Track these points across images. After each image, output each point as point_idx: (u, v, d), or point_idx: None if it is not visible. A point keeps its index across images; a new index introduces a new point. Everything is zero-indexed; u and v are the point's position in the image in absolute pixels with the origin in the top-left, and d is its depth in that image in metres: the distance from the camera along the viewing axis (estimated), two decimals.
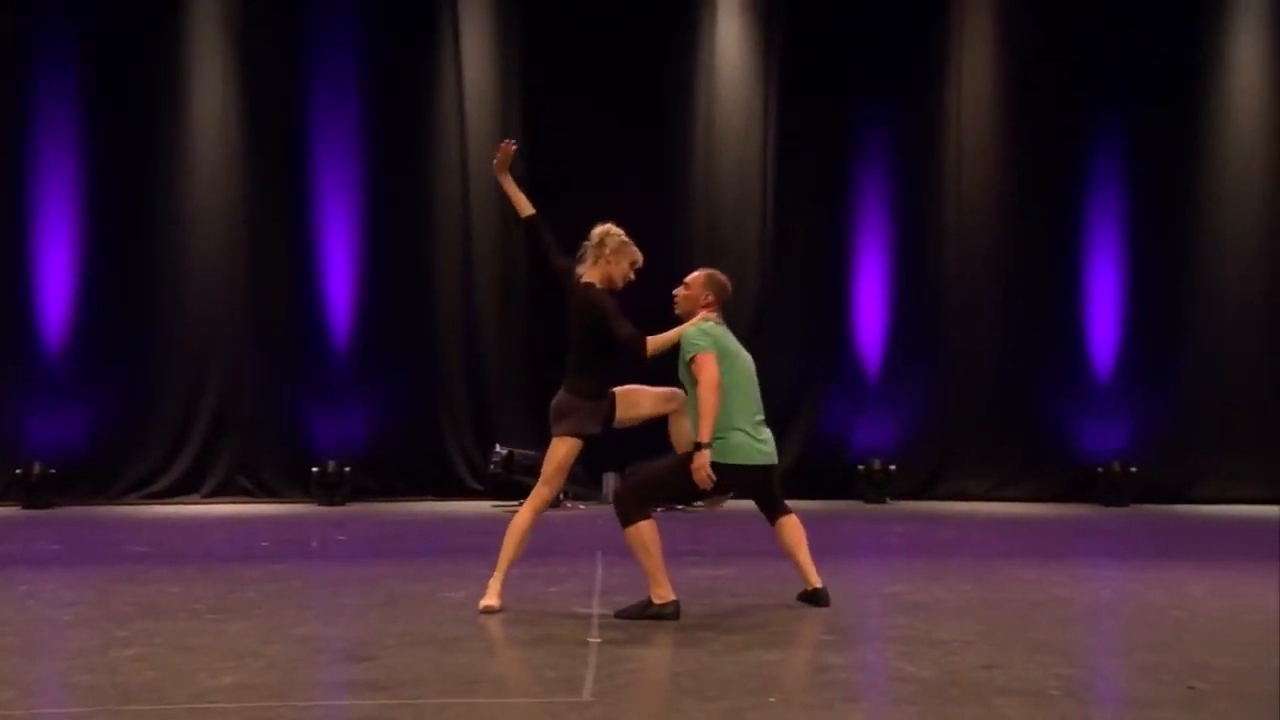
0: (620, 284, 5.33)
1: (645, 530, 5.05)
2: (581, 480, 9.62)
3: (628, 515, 5.08)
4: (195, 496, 10.02)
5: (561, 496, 9.73)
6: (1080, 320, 10.49)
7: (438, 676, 4.05)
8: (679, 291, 5.40)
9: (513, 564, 5.19)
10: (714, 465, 5.05)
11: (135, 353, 10.09)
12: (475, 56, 10.40)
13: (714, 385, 5.07)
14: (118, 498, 9.91)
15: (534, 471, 9.56)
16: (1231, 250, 10.45)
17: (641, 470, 5.43)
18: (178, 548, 7.44)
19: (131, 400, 10.06)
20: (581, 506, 9.64)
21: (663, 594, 5.04)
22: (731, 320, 11.51)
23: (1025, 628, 4.87)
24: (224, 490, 10.08)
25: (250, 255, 10.25)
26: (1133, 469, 10.16)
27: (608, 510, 8.33)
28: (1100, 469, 10.21)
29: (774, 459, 5.30)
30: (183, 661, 4.23)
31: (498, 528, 8.38)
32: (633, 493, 5.20)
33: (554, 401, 5.33)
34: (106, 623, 4.88)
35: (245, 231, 10.25)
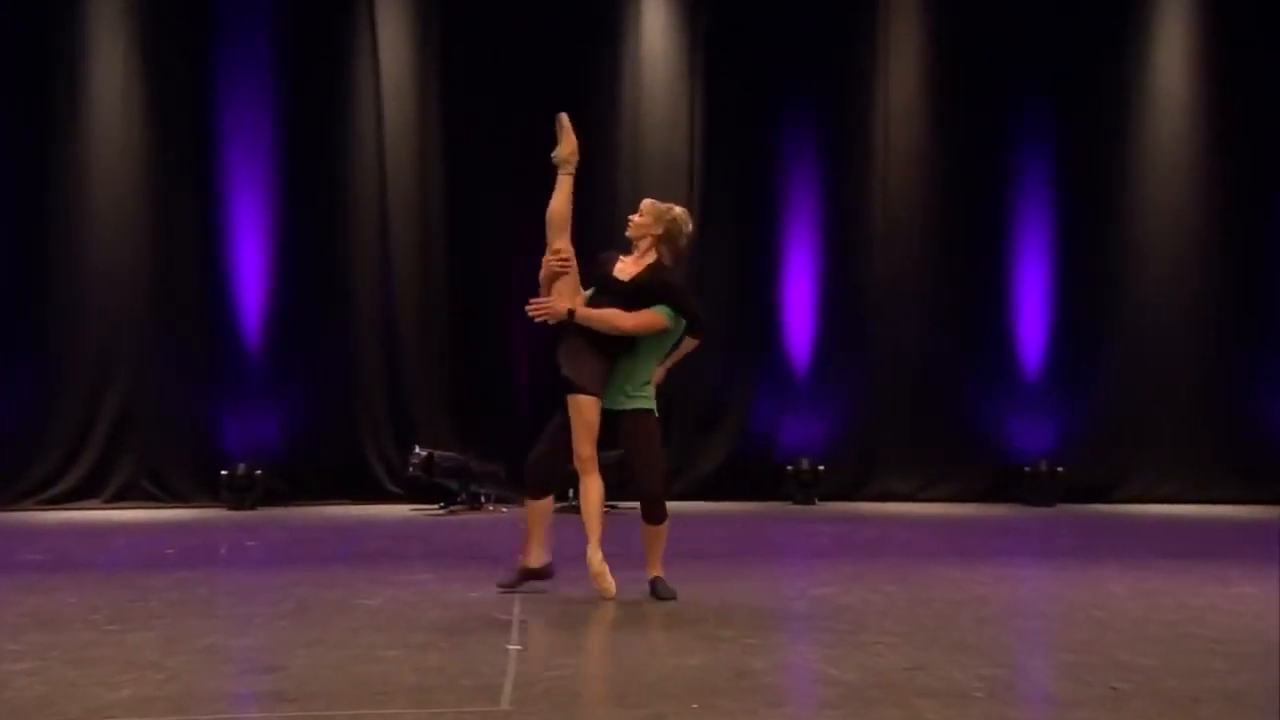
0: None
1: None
2: (504, 483, 9.59)
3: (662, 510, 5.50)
4: (97, 501, 9.80)
5: (482, 499, 9.69)
6: (1007, 320, 10.69)
7: (350, 687, 4.01)
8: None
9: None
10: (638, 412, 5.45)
11: (33, 350, 9.84)
12: (392, 45, 10.30)
13: (640, 326, 5.38)
14: (12, 503, 9.65)
15: (455, 473, 9.62)
16: (1156, 251, 10.73)
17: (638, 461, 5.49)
18: (77, 556, 7.27)
19: (28, 399, 9.81)
20: (504, 510, 9.60)
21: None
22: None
23: (948, 628, 4.94)
24: (127, 494, 9.88)
25: (155, 248, 10.05)
26: (1059, 469, 10.37)
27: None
28: (1027, 469, 10.40)
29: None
30: (78, 675, 4.14)
31: (416, 532, 8.36)
32: (663, 483, 5.53)
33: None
34: None
35: (150, 223, 10.05)
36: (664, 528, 5.57)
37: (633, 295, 5.45)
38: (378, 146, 10.30)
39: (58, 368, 9.88)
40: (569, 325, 5.42)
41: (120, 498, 9.85)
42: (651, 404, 5.55)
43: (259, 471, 9.85)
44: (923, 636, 4.78)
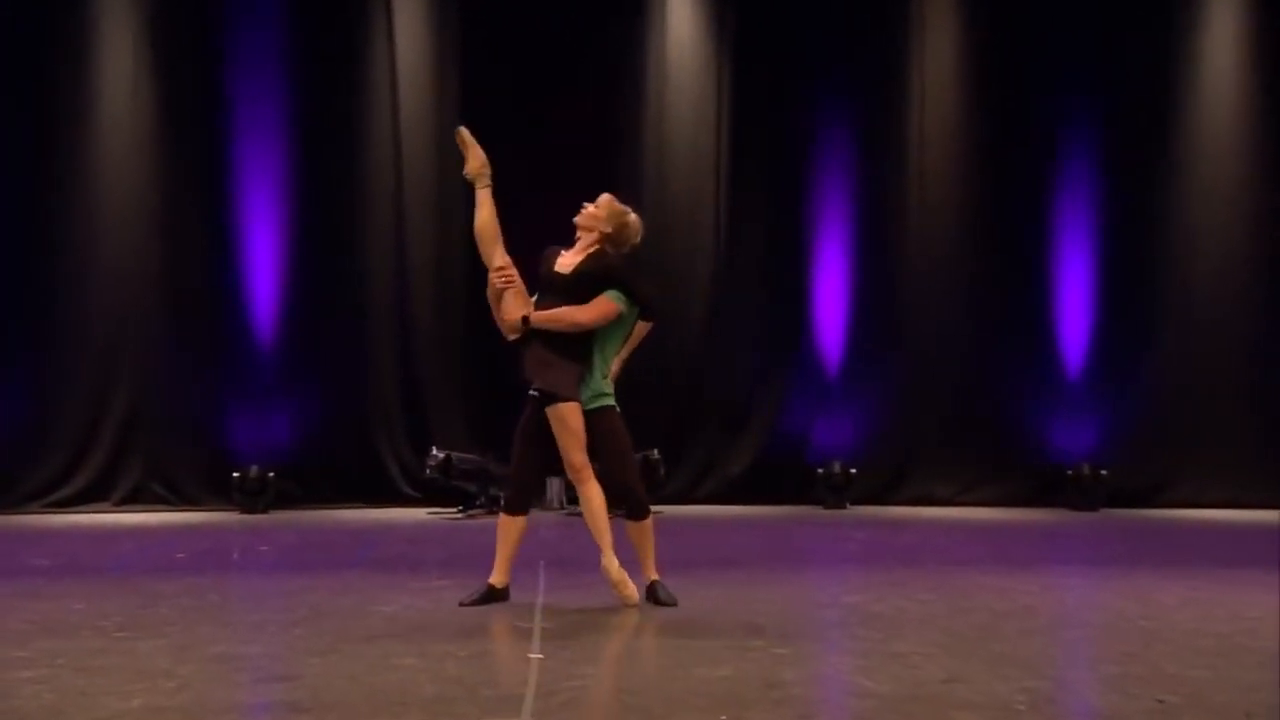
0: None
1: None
2: None
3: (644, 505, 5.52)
4: (105, 505, 9.89)
5: (502, 502, 9.70)
6: (1048, 316, 10.64)
7: (365, 697, 4.02)
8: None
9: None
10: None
11: (38, 348, 9.93)
12: (409, 32, 10.33)
13: (598, 316, 5.39)
14: (18, 506, 9.74)
15: (473, 475, 9.65)
16: (1205, 243, 10.65)
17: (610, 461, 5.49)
18: (84, 560, 7.33)
19: (34, 399, 9.90)
20: None
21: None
22: (682, 313, 11.56)
23: (989, 639, 4.92)
24: (136, 498, 9.96)
25: (165, 243, 10.11)
26: (1103, 472, 10.32)
27: (551, 517, 8.31)
28: (1070, 472, 10.35)
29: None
30: (87, 683, 4.17)
31: (433, 536, 8.38)
32: (638, 476, 5.57)
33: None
34: (3, 642, 4.80)
35: (159, 218, 10.11)
36: (649, 524, 5.59)
37: (577, 287, 5.44)
38: (394, 137, 10.33)
39: (64, 366, 9.96)
40: (528, 334, 5.42)
41: (129, 501, 9.93)
42: (611, 398, 5.55)
43: (271, 474, 9.90)
44: (962, 647, 4.75)
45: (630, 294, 5.49)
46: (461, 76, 10.38)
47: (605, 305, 5.44)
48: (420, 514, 9.71)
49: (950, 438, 10.49)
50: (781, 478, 10.41)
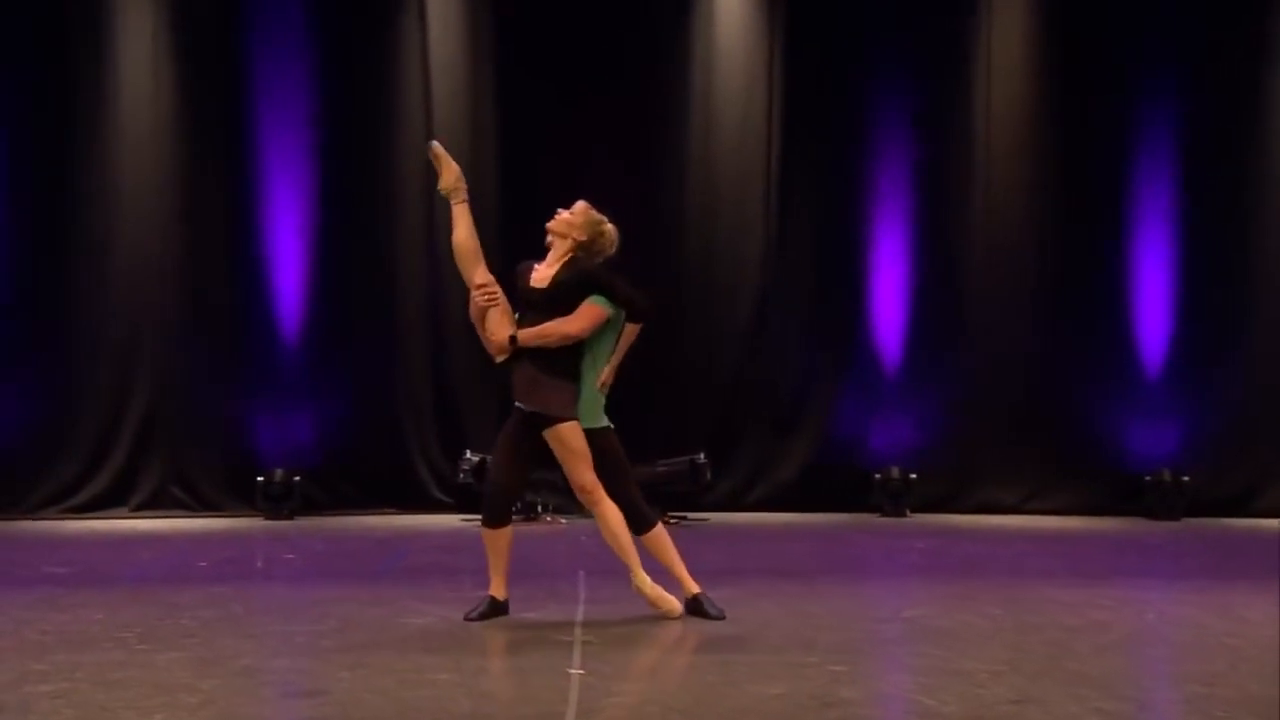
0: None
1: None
2: (563, 490, 9.62)
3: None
4: (123, 510, 9.97)
5: (539, 509, 9.75)
6: (1127, 310, 10.49)
7: (398, 714, 4.05)
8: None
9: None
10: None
11: (52, 345, 10.01)
12: (441, 9, 10.37)
13: (588, 325, 5.44)
14: (33, 512, 9.86)
15: None
16: None
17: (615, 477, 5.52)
18: (103, 569, 7.42)
19: (48, 400, 9.99)
20: (563, 521, 9.64)
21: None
22: (729, 306, 11.53)
23: (1061, 656, 4.88)
24: (156, 503, 10.04)
25: (184, 235, 10.18)
26: (1184, 478, 10.19)
27: (591, 524, 8.35)
28: (1148, 478, 10.23)
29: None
30: (107, 698, 4.22)
31: (466, 544, 8.42)
32: (637, 488, 5.59)
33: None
34: (20, 655, 4.87)
35: (178, 209, 10.18)
36: (661, 533, 5.61)
37: (557, 299, 5.47)
38: (425, 122, 10.35)
39: (79, 365, 10.04)
40: (516, 354, 5.44)
41: (148, 506, 10.02)
42: (604, 418, 5.57)
43: (297, 478, 9.98)
44: (1032, 665, 4.72)
45: (611, 297, 5.50)
46: (497, 57, 10.39)
47: (593, 312, 5.47)
48: (453, 520, 9.75)
49: (1018, 441, 10.37)
50: (835, 483, 10.34)
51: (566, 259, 5.56)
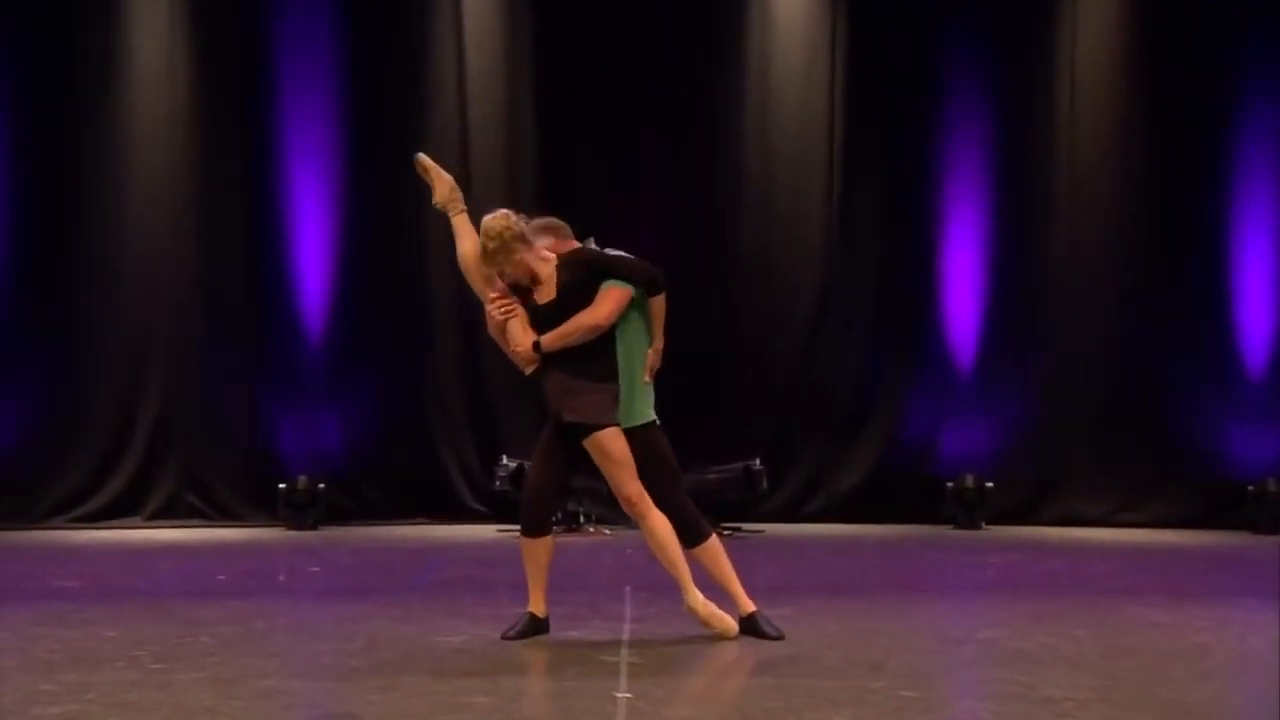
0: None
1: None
2: (607, 499, 9.63)
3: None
4: (136, 519, 10.09)
5: (582, 518, 9.76)
6: (1226, 304, 10.41)
7: None
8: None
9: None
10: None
11: (61, 345, 10.14)
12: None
13: (614, 309, 5.34)
14: (40, 521, 9.98)
15: None
16: None
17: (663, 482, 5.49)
18: (115, 582, 7.49)
19: (56, 402, 10.12)
20: (607, 531, 9.65)
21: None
22: (787, 302, 11.49)
23: (1155, 683, 4.83)
24: (171, 511, 10.15)
25: (202, 229, 10.29)
26: None
27: (638, 535, 8.32)
28: (1250, 487, 10.14)
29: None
30: None
31: (503, 556, 8.43)
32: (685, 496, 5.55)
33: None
34: (27, 674, 4.91)
35: (195, 200, 10.29)
36: (715, 545, 5.58)
37: (567, 305, 5.39)
38: (459, 103, 10.40)
39: (89, 365, 10.17)
40: (544, 362, 5.40)
41: (162, 515, 10.13)
42: (651, 413, 5.50)
43: (321, 485, 10.05)
44: (1122, 693, 4.67)
45: (625, 277, 5.41)
46: (535, 32, 10.41)
47: (614, 294, 5.39)
48: (489, 531, 9.78)
49: (1103, 447, 10.32)
50: (903, 492, 10.33)
51: (549, 264, 5.43)
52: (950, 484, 10.26)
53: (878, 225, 10.60)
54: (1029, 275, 10.53)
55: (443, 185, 5.66)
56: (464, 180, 10.38)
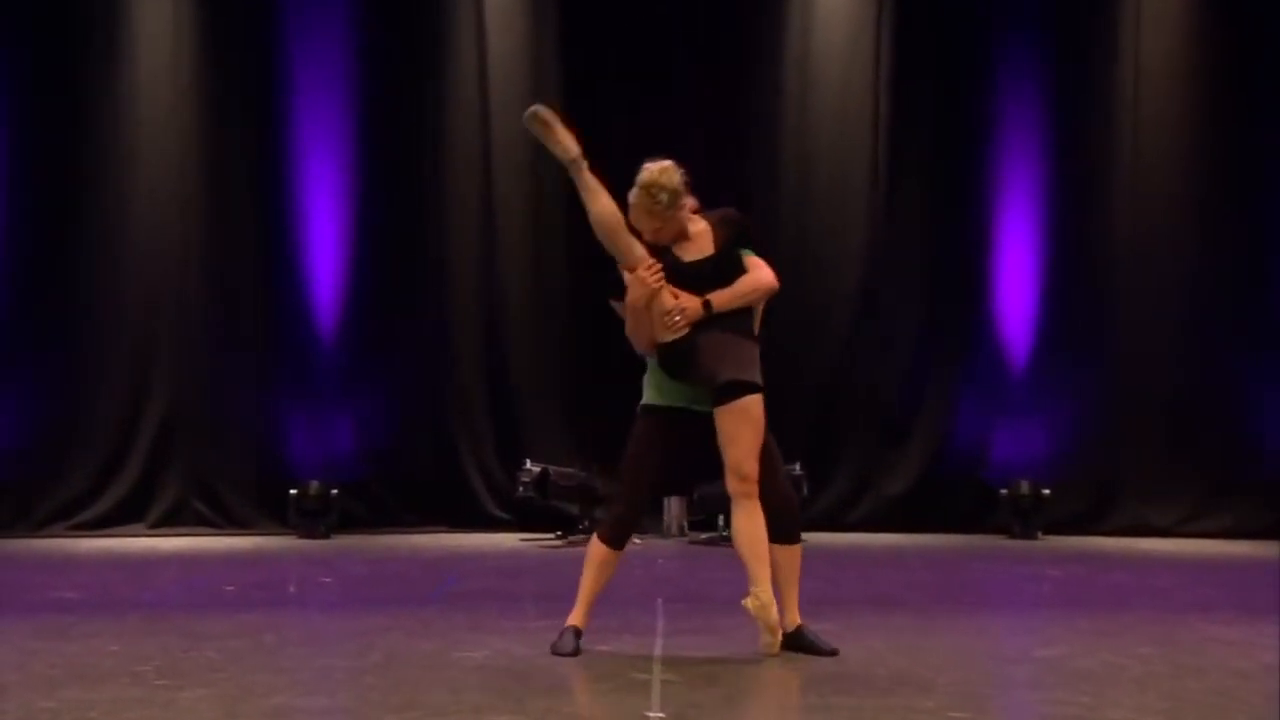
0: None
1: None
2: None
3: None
4: (139, 527, 10.15)
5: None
6: None
7: None
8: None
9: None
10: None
11: (61, 345, 10.21)
12: None
13: (775, 277, 5.35)
14: (40, 528, 10.05)
15: (575, 495, 9.69)
16: None
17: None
18: (118, 593, 7.52)
19: (56, 404, 10.19)
20: (637, 541, 9.62)
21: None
22: (830, 299, 11.45)
23: (1227, 706, 4.80)
24: (175, 519, 10.21)
25: (209, 225, 10.34)
26: None
27: (671, 545, 8.28)
28: None
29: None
30: None
31: (527, 567, 8.43)
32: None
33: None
34: (26, 690, 4.93)
35: (203, 196, 10.34)
36: (800, 550, 5.59)
37: (726, 260, 5.36)
38: (480, 91, 10.42)
39: (90, 365, 10.24)
40: (701, 323, 5.32)
41: (167, 523, 10.18)
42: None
43: (334, 491, 10.08)
44: (1192, 715, 4.64)
45: (751, 243, 5.44)
46: (560, 15, 10.43)
47: (761, 261, 5.40)
48: (512, 540, 9.79)
49: (1170, 451, 10.30)
50: (954, 500, 10.33)
51: (701, 221, 5.41)
52: (1004, 491, 10.23)
53: (925, 218, 10.60)
54: (1088, 268, 10.50)
55: (567, 137, 5.48)
56: (485, 174, 10.45)
